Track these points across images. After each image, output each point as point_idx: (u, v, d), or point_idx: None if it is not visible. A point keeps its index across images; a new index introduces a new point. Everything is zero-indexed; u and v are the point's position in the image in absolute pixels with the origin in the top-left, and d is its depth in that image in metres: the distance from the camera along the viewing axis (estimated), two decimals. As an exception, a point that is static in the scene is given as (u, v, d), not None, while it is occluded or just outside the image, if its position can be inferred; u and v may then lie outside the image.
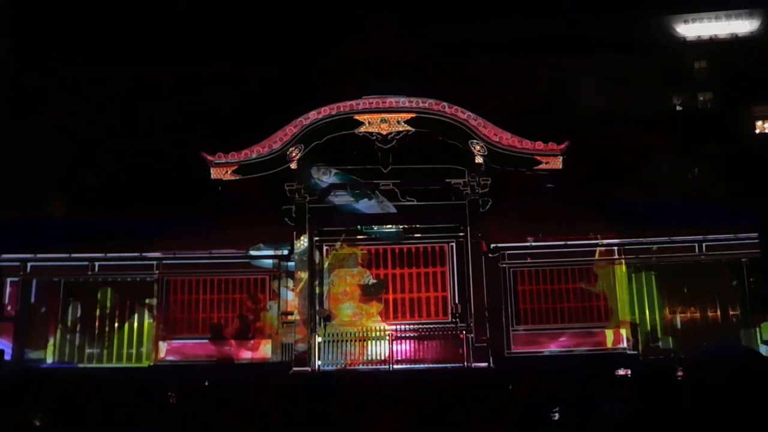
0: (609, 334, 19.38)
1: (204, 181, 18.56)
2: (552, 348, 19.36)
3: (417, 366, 18.33)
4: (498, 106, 20.16)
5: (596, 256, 19.82)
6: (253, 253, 20.15)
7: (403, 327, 19.40)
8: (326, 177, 19.43)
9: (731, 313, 19.81)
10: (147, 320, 20.30)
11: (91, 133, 26.55)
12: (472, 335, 18.46)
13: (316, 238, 20.21)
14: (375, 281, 20.58)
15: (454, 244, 20.52)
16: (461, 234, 19.86)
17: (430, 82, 19.08)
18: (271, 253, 20.12)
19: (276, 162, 18.57)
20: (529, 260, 19.94)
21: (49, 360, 20.04)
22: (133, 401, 6.59)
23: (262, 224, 19.80)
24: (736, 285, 19.87)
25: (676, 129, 27.67)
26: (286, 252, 19.85)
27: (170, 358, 19.68)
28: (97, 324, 20.45)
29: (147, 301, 20.21)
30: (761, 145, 28.94)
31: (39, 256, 20.02)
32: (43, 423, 5.82)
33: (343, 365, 18.51)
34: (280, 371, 17.88)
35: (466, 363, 18.20)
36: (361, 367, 18.46)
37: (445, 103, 18.47)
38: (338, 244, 20.64)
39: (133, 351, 20.26)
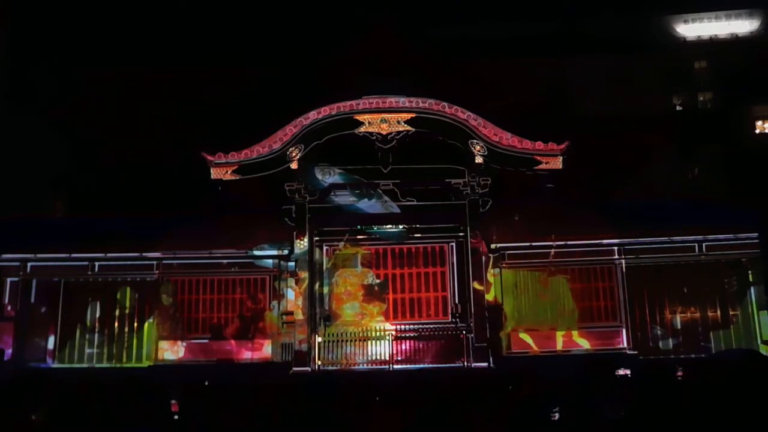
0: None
1: (204, 181, 18.55)
2: (552, 348, 19.35)
3: (417, 366, 18.35)
4: (498, 106, 20.14)
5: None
6: (253, 253, 20.15)
7: (403, 327, 19.41)
8: (326, 177, 19.44)
9: (731, 313, 19.81)
10: (147, 320, 20.29)
11: (91, 133, 26.54)
12: (472, 335, 18.47)
13: (316, 238, 20.22)
14: (379, 281, 20.62)
15: (454, 244, 20.54)
16: (461, 234, 19.87)
17: (430, 82, 19.08)
18: (271, 253, 20.11)
19: (276, 162, 18.57)
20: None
21: (49, 360, 20.03)
22: (133, 401, 6.59)
23: (262, 224, 19.81)
24: (736, 285, 19.89)
25: (676, 129, 27.66)
26: (286, 252, 19.85)
27: (171, 357, 19.70)
28: (97, 324, 20.44)
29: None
30: (761, 145, 28.92)
31: (39, 256, 20.02)
32: (43, 423, 5.82)
33: (343, 365, 18.52)
34: (281, 371, 17.88)
35: (466, 363, 18.22)
36: (361, 367, 18.48)
37: (445, 103, 18.47)
38: (342, 244, 20.66)
39: (134, 351, 20.26)
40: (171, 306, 20.18)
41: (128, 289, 20.57)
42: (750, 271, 19.64)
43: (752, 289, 19.54)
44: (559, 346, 19.30)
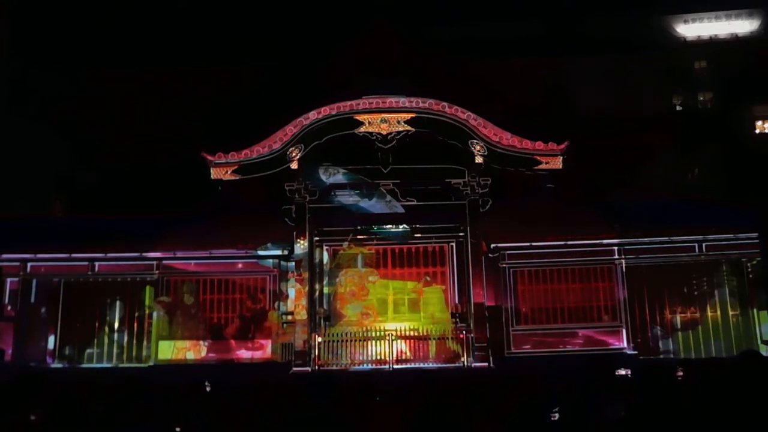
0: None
1: (204, 181, 18.55)
2: (552, 348, 19.34)
3: (417, 366, 18.35)
4: (498, 106, 20.18)
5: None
6: (253, 252, 20.14)
7: (403, 327, 19.41)
8: (327, 177, 19.45)
9: (731, 313, 19.81)
10: (147, 320, 20.29)
11: (91, 133, 26.56)
12: (472, 335, 18.48)
13: (317, 238, 20.24)
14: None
15: (454, 244, 20.56)
16: (461, 234, 19.88)
17: (430, 82, 19.08)
18: (271, 253, 20.11)
19: (276, 162, 18.57)
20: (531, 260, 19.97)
21: (49, 360, 20.04)
22: (134, 401, 6.59)
23: (262, 224, 19.81)
24: (736, 285, 19.89)
25: (676, 129, 27.66)
26: (286, 252, 19.85)
27: (172, 357, 19.68)
28: (97, 324, 20.45)
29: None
30: (761, 145, 28.91)
31: (39, 256, 20.01)
32: (43, 423, 5.82)
33: (343, 365, 18.54)
34: (281, 371, 17.89)
35: (466, 363, 18.22)
36: (361, 366, 18.49)
37: (445, 103, 18.47)
38: (345, 244, 20.69)
39: (134, 351, 20.27)
40: (171, 306, 20.16)
41: (128, 289, 20.58)
42: (750, 271, 19.64)
43: (752, 289, 19.53)
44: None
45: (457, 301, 19.91)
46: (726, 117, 28.63)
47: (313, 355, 18.55)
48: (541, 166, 18.36)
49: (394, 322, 19.82)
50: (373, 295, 20.60)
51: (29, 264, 20.12)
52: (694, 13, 31.17)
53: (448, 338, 18.88)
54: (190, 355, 19.71)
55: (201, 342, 19.88)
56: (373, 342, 18.85)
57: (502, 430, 5.89)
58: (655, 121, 26.55)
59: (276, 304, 20.06)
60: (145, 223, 19.91)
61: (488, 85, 22.38)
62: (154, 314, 20.09)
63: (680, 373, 9.31)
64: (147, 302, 20.42)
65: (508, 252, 19.91)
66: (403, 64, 18.98)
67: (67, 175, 26.20)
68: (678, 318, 19.96)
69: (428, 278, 20.51)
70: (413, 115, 18.58)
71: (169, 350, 19.78)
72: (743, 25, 31.03)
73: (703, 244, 19.62)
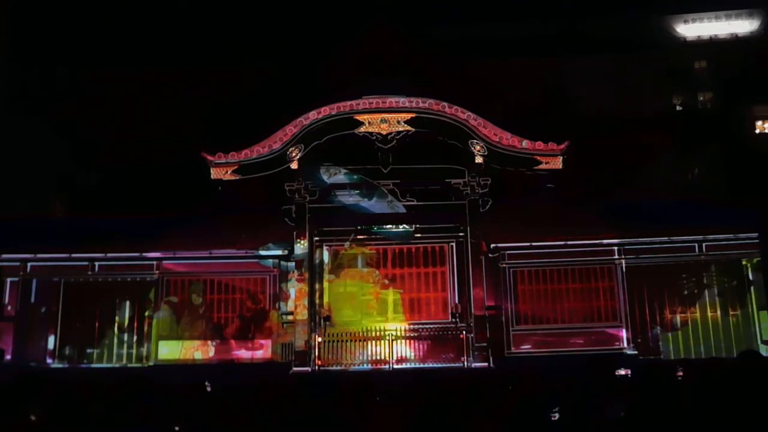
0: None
1: (204, 181, 18.55)
2: (552, 348, 19.34)
3: (417, 366, 18.36)
4: (498, 106, 20.15)
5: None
6: (253, 252, 20.14)
7: (403, 327, 19.42)
8: (327, 177, 19.46)
9: (731, 313, 19.82)
10: (147, 320, 20.28)
11: (91, 133, 26.53)
12: (472, 335, 18.48)
13: (317, 238, 20.24)
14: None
15: (454, 244, 20.55)
16: (461, 234, 19.89)
17: (430, 82, 19.08)
18: (271, 253, 20.12)
19: (276, 162, 18.58)
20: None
21: (49, 360, 20.03)
22: (134, 401, 6.58)
23: (262, 224, 19.82)
24: (736, 285, 19.90)
25: (676, 129, 27.64)
26: (286, 252, 19.85)
27: (172, 357, 19.67)
28: (97, 323, 20.45)
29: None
30: (761, 145, 28.89)
31: (39, 256, 20.02)
32: (43, 423, 5.82)
33: (343, 365, 18.53)
34: (281, 371, 17.89)
35: (466, 363, 18.22)
36: (361, 366, 18.49)
37: (445, 103, 18.47)
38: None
39: (134, 351, 20.28)
40: (171, 306, 20.17)
41: (129, 289, 20.58)
42: (750, 271, 19.64)
43: (752, 289, 19.54)
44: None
45: (457, 301, 19.91)
46: (726, 117, 28.59)
47: (313, 355, 18.55)
48: (541, 166, 18.37)
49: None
50: (372, 295, 20.60)
51: (29, 264, 20.13)
52: (694, 13, 31.13)
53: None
54: (190, 355, 19.70)
55: (201, 342, 19.87)
56: (373, 342, 18.86)
57: (502, 430, 5.88)
58: (655, 121, 26.52)
59: (276, 304, 20.07)
60: (145, 223, 19.91)
61: (488, 85, 22.36)
62: (155, 314, 20.10)
63: (680, 373, 9.31)
64: (147, 302, 20.41)
65: (508, 252, 19.92)
66: (403, 64, 18.98)
67: (67, 175, 26.18)
68: (678, 318, 19.97)
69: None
70: (413, 115, 18.58)
71: (169, 350, 19.78)
72: (743, 25, 31.01)
73: (703, 244, 19.63)
